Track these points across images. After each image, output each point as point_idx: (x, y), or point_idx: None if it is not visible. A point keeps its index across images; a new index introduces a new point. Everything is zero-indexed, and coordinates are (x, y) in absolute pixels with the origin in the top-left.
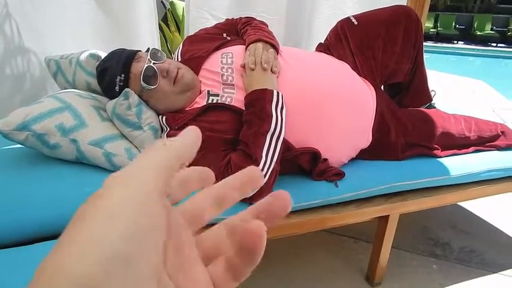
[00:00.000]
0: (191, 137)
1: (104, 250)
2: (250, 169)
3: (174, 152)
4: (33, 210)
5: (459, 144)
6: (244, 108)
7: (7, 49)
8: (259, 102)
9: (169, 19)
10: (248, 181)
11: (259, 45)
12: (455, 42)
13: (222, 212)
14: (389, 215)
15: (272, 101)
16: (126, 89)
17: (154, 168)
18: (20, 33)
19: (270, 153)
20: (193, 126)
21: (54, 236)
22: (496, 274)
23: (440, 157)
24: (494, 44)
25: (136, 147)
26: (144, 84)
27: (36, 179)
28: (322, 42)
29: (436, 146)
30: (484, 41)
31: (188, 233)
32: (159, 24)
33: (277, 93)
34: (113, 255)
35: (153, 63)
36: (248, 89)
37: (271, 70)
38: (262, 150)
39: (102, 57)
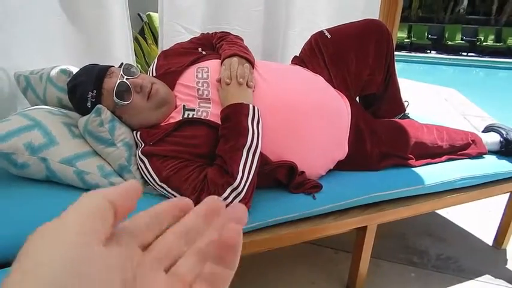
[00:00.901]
0: (129, 186)
1: None
2: (211, 200)
3: (105, 200)
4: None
5: (432, 153)
6: (220, 123)
7: None
8: (235, 116)
9: (146, 32)
10: (211, 213)
11: (235, 59)
12: (428, 51)
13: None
14: (367, 226)
15: (248, 115)
16: (99, 105)
17: (84, 218)
18: None
19: (247, 168)
20: (135, 181)
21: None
22: (472, 280)
23: (415, 166)
24: (465, 53)
25: (110, 164)
26: (117, 100)
27: (4, 200)
28: (297, 55)
29: (411, 155)
30: (455, 50)
31: (158, 273)
32: (136, 37)
33: (253, 107)
34: None
35: (126, 79)
36: (224, 104)
37: (246, 84)
38: (239, 165)
39: (74, 73)
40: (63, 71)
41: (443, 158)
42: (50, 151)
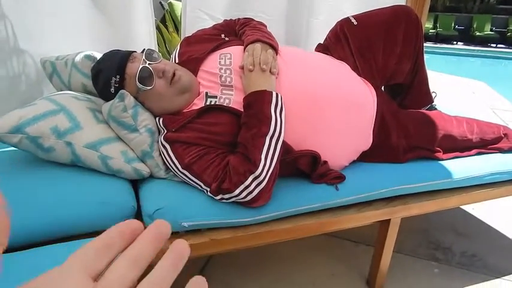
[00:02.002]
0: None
1: None
2: (158, 224)
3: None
4: (28, 215)
5: (461, 146)
6: (242, 110)
7: (2, 50)
8: (258, 104)
9: (167, 20)
10: (158, 238)
11: (258, 45)
12: (455, 43)
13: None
14: (390, 219)
15: (271, 102)
16: (122, 91)
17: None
18: (15, 35)
19: (269, 156)
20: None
21: (51, 241)
22: (498, 279)
23: (442, 160)
24: (494, 45)
25: (132, 150)
26: (140, 85)
27: (31, 183)
28: (322, 42)
29: (438, 148)
30: (484, 41)
31: None
32: (158, 26)
33: (276, 94)
34: None
35: (149, 64)
36: (247, 91)
37: (270, 71)
38: (261, 153)
39: (98, 59)
40: (88, 57)
41: (473, 151)
42: (75, 135)
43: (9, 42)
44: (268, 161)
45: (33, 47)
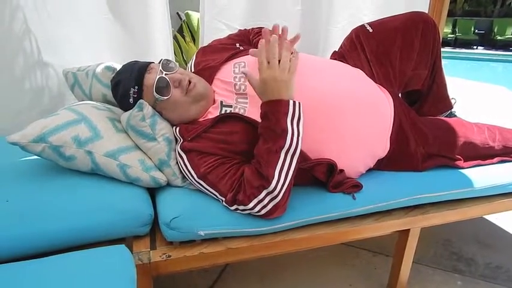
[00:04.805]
0: None
1: None
2: None
3: None
4: (48, 222)
5: (483, 154)
6: (257, 120)
7: (27, 64)
8: (274, 115)
9: (184, 30)
10: None
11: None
12: (475, 47)
13: None
14: (410, 229)
15: (288, 113)
16: (140, 101)
17: None
18: (39, 48)
19: (284, 171)
20: None
21: (68, 249)
22: None
23: (463, 168)
24: None
25: (150, 159)
26: (157, 95)
27: (51, 191)
28: (336, 50)
29: (459, 156)
30: (505, 46)
31: None
32: (175, 35)
33: (294, 103)
34: None
35: (165, 74)
36: (262, 96)
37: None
38: (275, 169)
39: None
40: (108, 68)
41: (495, 159)
42: (95, 144)
43: (33, 56)
44: (282, 176)
45: (56, 60)
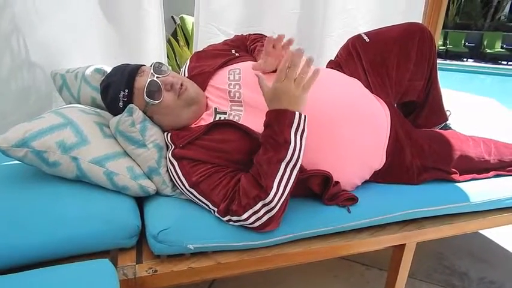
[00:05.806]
0: None
1: None
2: None
3: None
4: (29, 233)
5: (478, 168)
6: (252, 128)
7: (13, 63)
8: (278, 125)
9: (178, 34)
10: None
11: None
12: (465, 60)
13: None
14: (405, 244)
15: (292, 125)
16: (130, 105)
17: None
18: (27, 47)
19: (282, 183)
20: None
21: (48, 262)
22: None
23: (459, 182)
24: (505, 62)
25: (139, 166)
26: (148, 99)
27: (32, 199)
28: (333, 59)
29: (454, 169)
30: (494, 59)
31: None
32: (169, 39)
33: (299, 115)
34: None
35: (157, 77)
36: (269, 103)
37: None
38: (274, 180)
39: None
40: (98, 70)
41: (491, 173)
42: (81, 150)
43: (20, 55)
44: (281, 188)
45: (44, 60)
